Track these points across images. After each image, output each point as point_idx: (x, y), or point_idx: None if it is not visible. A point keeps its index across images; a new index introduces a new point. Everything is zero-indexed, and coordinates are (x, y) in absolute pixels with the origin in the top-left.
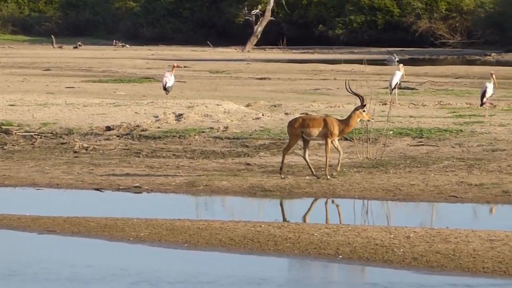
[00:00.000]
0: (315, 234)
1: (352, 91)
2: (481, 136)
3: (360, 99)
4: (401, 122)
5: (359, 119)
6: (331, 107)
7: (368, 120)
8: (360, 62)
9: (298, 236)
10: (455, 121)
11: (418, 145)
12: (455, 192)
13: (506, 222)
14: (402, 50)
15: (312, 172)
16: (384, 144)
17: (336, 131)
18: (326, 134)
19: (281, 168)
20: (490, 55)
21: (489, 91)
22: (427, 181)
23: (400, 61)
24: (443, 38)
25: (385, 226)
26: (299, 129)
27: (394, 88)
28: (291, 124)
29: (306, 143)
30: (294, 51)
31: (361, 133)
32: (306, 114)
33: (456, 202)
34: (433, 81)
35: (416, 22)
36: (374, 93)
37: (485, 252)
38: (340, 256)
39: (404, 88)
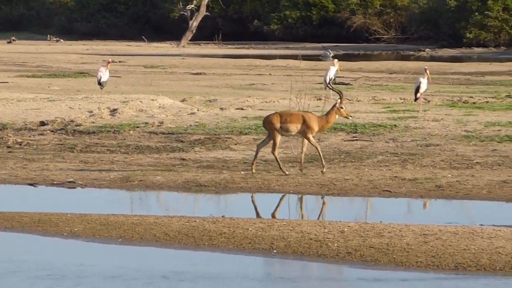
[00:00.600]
0: (250, 229)
1: (331, 88)
2: (415, 131)
3: (339, 95)
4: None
5: (337, 116)
6: (266, 102)
7: (346, 117)
8: (295, 57)
9: (233, 231)
10: (389, 116)
11: (353, 140)
12: (389, 186)
13: (439, 217)
14: (337, 45)
15: (252, 165)
16: (319, 139)
17: (315, 127)
18: (304, 131)
19: (280, 168)
20: (424, 51)
21: (423, 86)
22: (361, 175)
23: (335, 57)
24: (378, 34)
25: (320, 221)
26: (278, 124)
27: (329, 83)
28: (270, 119)
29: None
30: (229, 46)
31: None
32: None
33: (390, 197)
34: (368, 77)
35: (351, 18)
36: (309, 88)
37: (419, 246)
38: (275, 251)
39: (338, 84)
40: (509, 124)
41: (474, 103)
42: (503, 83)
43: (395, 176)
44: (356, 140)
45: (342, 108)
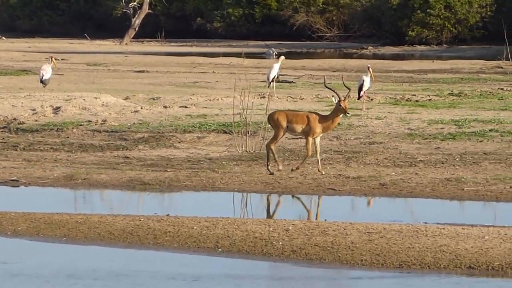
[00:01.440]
0: (195, 228)
1: (328, 87)
2: (358, 129)
3: (336, 94)
4: None
5: (341, 114)
6: (210, 100)
7: (344, 114)
8: (238, 55)
9: (177, 229)
10: None
11: (296, 138)
12: (333, 185)
13: (383, 215)
14: (280, 43)
15: (267, 166)
16: (263, 137)
17: (317, 129)
18: (307, 132)
19: (277, 161)
20: (366, 49)
21: (366, 84)
22: (306, 174)
23: (278, 54)
24: (320, 32)
25: (264, 219)
26: (284, 122)
27: (272, 81)
28: (277, 117)
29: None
30: (172, 44)
31: (240, 126)
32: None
33: (334, 195)
34: (311, 75)
35: (294, 16)
36: (252, 86)
37: (363, 244)
38: (220, 250)
39: (282, 82)
40: (452, 122)
41: (417, 101)
42: (445, 81)
43: (339, 174)
44: (300, 138)
45: (341, 106)
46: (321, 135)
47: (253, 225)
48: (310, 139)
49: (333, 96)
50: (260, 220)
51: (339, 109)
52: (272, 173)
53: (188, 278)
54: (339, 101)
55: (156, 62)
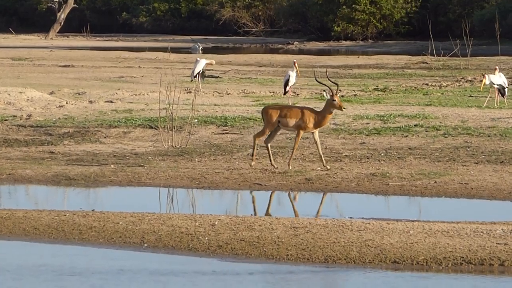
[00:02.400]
0: (120, 223)
1: (320, 82)
2: None
3: (330, 89)
4: (205, 111)
5: (333, 110)
6: (136, 95)
7: (339, 109)
8: (164, 50)
9: (103, 225)
10: (258, 109)
11: (223, 133)
12: (259, 180)
13: (309, 210)
14: (206, 38)
15: (270, 161)
16: (189, 132)
17: (310, 124)
18: (300, 126)
19: (253, 156)
20: (292, 44)
21: (292, 79)
22: (232, 169)
23: (204, 50)
24: (247, 27)
25: (191, 214)
26: (275, 118)
27: (196, 76)
28: (268, 111)
29: (275, 131)
30: (98, 38)
31: (166, 121)
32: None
33: (260, 190)
34: (237, 70)
35: (220, 11)
36: (178, 81)
37: (289, 239)
38: (146, 245)
39: (208, 77)
40: (377, 117)
41: (342, 96)
42: (370, 76)
43: (265, 169)
44: (227, 133)
45: (334, 100)
46: (315, 130)
47: (179, 220)
48: (301, 133)
49: (324, 91)
50: (186, 215)
51: (332, 104)
52: (251, 166)
53: (113, 273)
54: (332, 96)
55: (81, 57)
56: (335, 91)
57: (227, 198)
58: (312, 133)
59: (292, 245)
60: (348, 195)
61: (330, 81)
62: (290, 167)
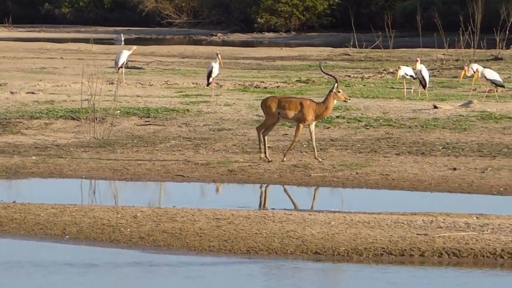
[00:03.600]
0: (42, 215)
1: (325, 72)
2: (207, 115)
3: (335, 79)
4: (128, 102)
5: (335, 101)
6: (58, 86)
7: (345, 101)
8: (87, 41)
9: (24, 216)
10: (182, 100)
11: (145, 125)
12: (182, 171)
13: (231, 201)
14: (129, 29)
15: (265, 153)
16: (112, 124)
17: (310, 116)
18: (299, 118)
19: (260, 149)
20: (216, 35)
21: (215, 71)
22: (154, 160)
23: (126, 41)
24: (170, 18)
25: (112, 206)
26: (275, 109)
27: (121, 67)
28: (267, 102)
29: (274, 123)
30: (20, 29)
31: (88, 113)
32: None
33: (183, 181)
34: (160, 61)
35: (143, 2)
36: (101, 72)
37: (211, 231)
38: (67, 237)
39: (131, 68)
40: None
41: (265, 87)
42: (293, 68)
43: (188, 161)
44: (149, 124)
45: (339, 92)
46: (314, 122)
47: (101, 212)
48: (301, 125)
49: (335, 83)
50: (108, 207)
51: (336, 96)
52: (270, 161)
53: (32, 265)
54: (336, 87)
55: (3, 48)
56: (337, 84)
57: (150, 190)
58: (309, 124)
59: (214, 237)
60: (270, 186)
61: (328, 74)
62: (285, 159)
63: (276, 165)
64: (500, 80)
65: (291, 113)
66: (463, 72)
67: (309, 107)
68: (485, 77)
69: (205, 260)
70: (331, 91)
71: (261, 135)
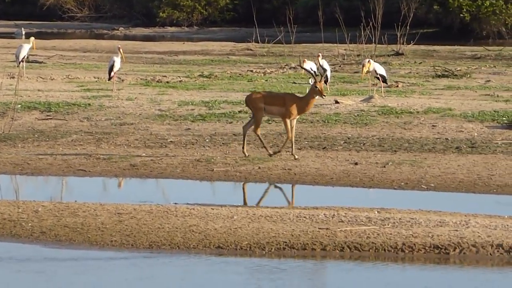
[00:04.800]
0: None
1: (303, 68)
2: (109, 110)
3: (313, 76)
4: (29, 96)
5: (316, 96)
6: None
7: (320, 96)
8: None
9: None
10: (83, 95)
11: (47, 119)
12: (84, 166)
13: (133, 196)
14: (30, 23)
15: (243, 148)
16: (12, 118)
17: (294, 110)
18: (284, 114)
19: (264, 147)
20: (118, 29)
21: (117, 65)
22: (56, 155)
23: (28, 35)
24: (71, 12)
25: (13, 201)
26: (262, 104)
27: (22, 61)
28: (254, 99)
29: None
30: None
31: None
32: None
33: (84, 176)
34: (62, 55)
35: None
36: (2, 66)
37: (113, 225)
38: None
39: (32, 62)
40: (202, 103)
41: (167, 82)
42: (196, 63)
43: (90, 155)
44: (50, 119)
45: (317, 87)
46: (297, 117)
47: (1, 207)
48: (288, 121)
49: (310, 78)
50: (9, 202)
51: (314, 91)
52: (271, 154)
53: None
54: (315, 82)
55: None
56: (319, 79)
57: (51, 184)
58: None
59: (116, 231)
60: (173, 181)
61: (305, 70)
62: (297, 157)
63: (179, 160)
64: (386, 76)
65: (276, 109)
66: (365, 69)
67: (292, 102)
68: (375, 71)
69: (107, 255)
70: (313, 86)
71: (260, 135)
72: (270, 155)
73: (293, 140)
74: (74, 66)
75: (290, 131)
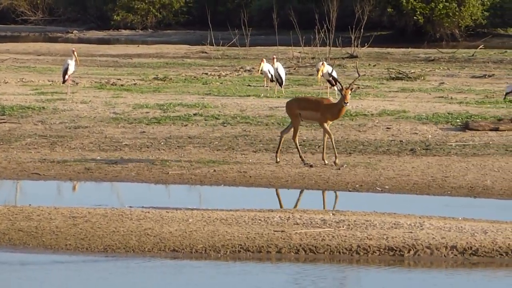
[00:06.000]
0: None
1: (332, 76)
2: (63, 113)
3: (339, 83)
4: None
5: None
6: None
7: (343, 103)
8: None
9: None
10: (37, 98)
11: (0, 123)
12: (38, 169)
13: (88, 199)
14: None
15: (276, 153)
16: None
17: (328, 115)
18: (319, 118)
19: (300, 157)
20: (72, 32)
21: (71, 68)
22: (10, 158)
23: None
24: (25, 15)
25: None
26: (297, 111)
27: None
28: (288, 105)
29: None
30: None
31: None
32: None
33: (39, 179)
34: (15, 58)
35: None
36: None
37: (68, 229)
38: None
39: None
40: (157, 106)
41: (122, 85)
42: (150, 66)
43: (44, 159)
44: (4, 122)
45: (341, 94)
46: (330, 122)
47: None
48: (324, 125)
49: (335, 85)
50: None
51: (341, 98)
52: (306, 163)
53: None
54: (341, 89)
55: None
56: (345, 86)
57: (5, 188)
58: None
59: (71, 235)
60: (128, 184)
61: (334, 79)
62: (327, 162)
63: (134, 163)
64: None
65: (310, 114)
66: (319, 72)
67: (326, 107)
68: (329, 73)
69: (61, 259)
70: (340, 91)
71: (297, 143)
72: (306, 164)
73: (335, 145)
74: (28, 70)
75: (330, 133)
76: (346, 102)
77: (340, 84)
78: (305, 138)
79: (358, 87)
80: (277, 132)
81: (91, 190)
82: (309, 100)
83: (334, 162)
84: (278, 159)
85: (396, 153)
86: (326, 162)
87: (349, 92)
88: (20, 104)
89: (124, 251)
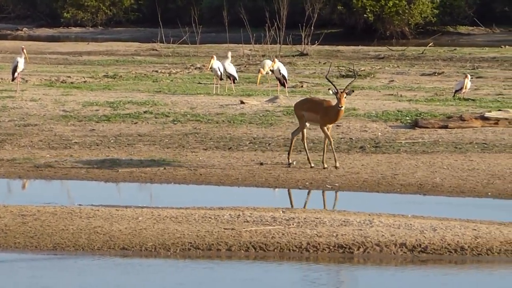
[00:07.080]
0: None
1: (327, 79)
2: (13, 111)
3: (333, 86)
4: None
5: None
6: None
7: (338, 106)
8: None
9: None
10: None
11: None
12: None
13: (37, 197)
14: None
15: (288, 155)
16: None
17: (326, 118)
18: (319, 121)
19: (308, 159)
20: (21, 30)
21: (21, 65)
22: None
23: None
24: None
25: None
26: (302, 112)
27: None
28: (295, 106)
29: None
30: None
31: None
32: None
33: None
34: None
35: None
36: None
37: (17, 227)
38: None
39: None
40: (107, 104)
41: (72, 83)
42: (100, 63)
43: None
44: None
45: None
46: (330, 125)
47: None
48: (324, 129)
49: (329, 89)
50: None
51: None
52: (312, 166)
53: None
54: (336, 93)
55: None
56: (339, 89)
57: None
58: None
59: (20, 233)
60: (78, 182)
61: (330, 82)
62: (326, 166)
63: (84, 161)
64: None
65: (311, 116)
66: (259, 75)
67: (325, 109)
68: (279, 70)
69: (10, 257)
70: (336, 95)
71: (305, 144)
72: (311, 166)
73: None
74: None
75: (329, 137)
76: (340, 106)
77: (335, 87)
78: (255, 136)
79: (353, 91)
80: (227, 130)
81: (41, 188)
82: (313, 101)
83: (335, 166)
84: (290, 161)
85: (346, 151)
86: (326, 166)
87: (344, 95)
88: None
89: (73, 249)
